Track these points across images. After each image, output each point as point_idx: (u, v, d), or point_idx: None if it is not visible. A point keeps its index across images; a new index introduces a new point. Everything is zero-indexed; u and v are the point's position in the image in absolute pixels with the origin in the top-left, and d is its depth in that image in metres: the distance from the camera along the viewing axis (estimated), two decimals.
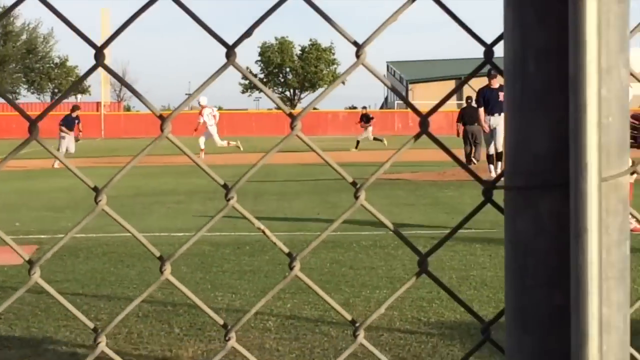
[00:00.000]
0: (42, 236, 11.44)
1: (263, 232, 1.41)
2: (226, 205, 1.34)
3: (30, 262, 1.36)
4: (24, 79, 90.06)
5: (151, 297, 7.39)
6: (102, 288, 8.14)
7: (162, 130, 1.29)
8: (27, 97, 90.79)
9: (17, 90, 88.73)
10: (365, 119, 42.07)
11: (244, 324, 6.35)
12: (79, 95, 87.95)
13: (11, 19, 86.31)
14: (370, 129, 41.34)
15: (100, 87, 76.08)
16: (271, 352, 6.02)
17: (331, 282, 8.34)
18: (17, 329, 6.72)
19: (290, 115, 1.32)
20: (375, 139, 41.08)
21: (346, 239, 10.67)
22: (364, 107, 46.69)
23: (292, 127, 1.31)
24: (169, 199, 16.81)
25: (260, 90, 1.43)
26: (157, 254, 1.42)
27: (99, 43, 1.28)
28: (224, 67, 1.30)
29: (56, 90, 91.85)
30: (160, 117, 1.28)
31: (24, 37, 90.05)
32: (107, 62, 1.30)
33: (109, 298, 7.79)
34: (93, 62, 1.27)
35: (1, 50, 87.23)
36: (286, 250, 1.42)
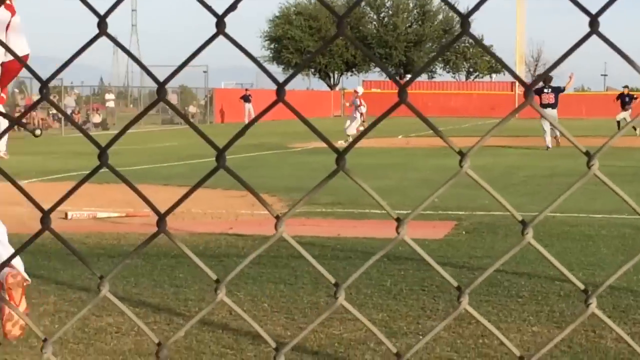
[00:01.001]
0: (461, 212, 11.66)
1: None
2: None
3: None
4: (439, 59, 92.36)
5: None
6: (522, 266, 8.13)
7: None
8: (442, 76, 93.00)
9: (433, 69, 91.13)
10: (626, 99, 37.08)
11: None
12: (493, 75, 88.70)
13: None
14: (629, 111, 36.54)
15: (515, 67, 76.09)
16: None
17: None
18: (440, 301, 6.92)
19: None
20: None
21: None
22: (626, 87, 40.04)
23: None
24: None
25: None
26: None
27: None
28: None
29: (471, 70, 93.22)
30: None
31: (440, 16, 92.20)
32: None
33: (529, 276, 7.78)
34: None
35: (419, 29, 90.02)
36: None
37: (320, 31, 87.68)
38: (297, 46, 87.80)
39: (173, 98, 59.92)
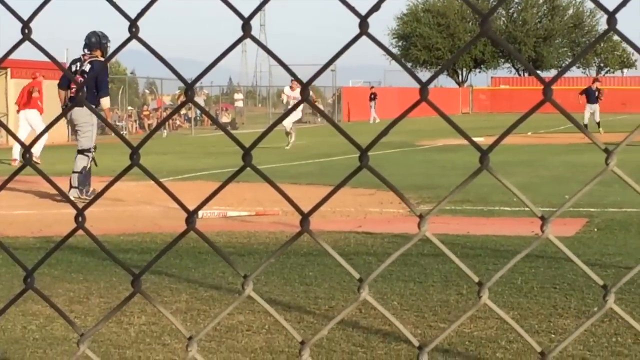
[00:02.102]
0: (592, 209, 11.41)
1: None
2: None
3: None
4: (569, 54, 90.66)
5: None
6: None
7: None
8: (572, 72, 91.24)
9: (562, 65, 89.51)
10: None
11: None
12: (624, 70, 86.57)
13: None
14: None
15: None
16: None
17: None
18: (572, 299, 6.79)
19: None
20: None
21: None
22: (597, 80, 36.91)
23: None
24: None
25: None
26: None
27: None
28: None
29: (602, 65, 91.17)
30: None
31: (570, 11, 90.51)
32: None
33: None
34: None
35: (548, 24, 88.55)
36: None
37: (449, 28, 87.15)
38: (425, 43, 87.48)
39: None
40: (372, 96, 57.27)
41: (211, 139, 34.89)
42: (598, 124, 33.02)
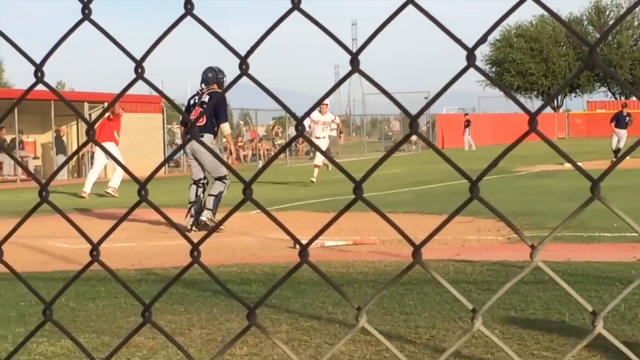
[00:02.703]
0: None
1: None
2: None
3: None
4: None
5: None
6: None
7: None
8: None
9: None
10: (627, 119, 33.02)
11: None
12: None
13: None
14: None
15: None
16: None
17: None
18: None
19: None
20: None
21: None
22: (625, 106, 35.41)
23: None
24: None
25: None
26: None
27: None
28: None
29: None
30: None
31: None
32: None
33: None
34: None
35: None
36: None
37: (542, 52, 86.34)
38: (518, 69, 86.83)
39: (396, 125, 60.37)
40: (466, 123, 57.05)
41: (306, 168, 35.06)
42: (618, 150, 31.96)
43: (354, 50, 1.36)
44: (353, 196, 1.43)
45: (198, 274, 8.44)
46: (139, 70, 1.54)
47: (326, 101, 23.62)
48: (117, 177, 23.39)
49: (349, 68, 1.39)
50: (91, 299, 8.42)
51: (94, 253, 1.65)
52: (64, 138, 35.03)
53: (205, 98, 14.22)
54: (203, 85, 14.44)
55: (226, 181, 14.13)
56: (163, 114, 38.51)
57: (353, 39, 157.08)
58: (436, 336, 6.59)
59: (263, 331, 1.49)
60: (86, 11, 1.57)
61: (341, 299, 7.74)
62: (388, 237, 11.74)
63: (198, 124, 13.86)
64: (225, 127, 14.39)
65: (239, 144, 48.42)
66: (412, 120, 1.38)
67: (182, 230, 1.62)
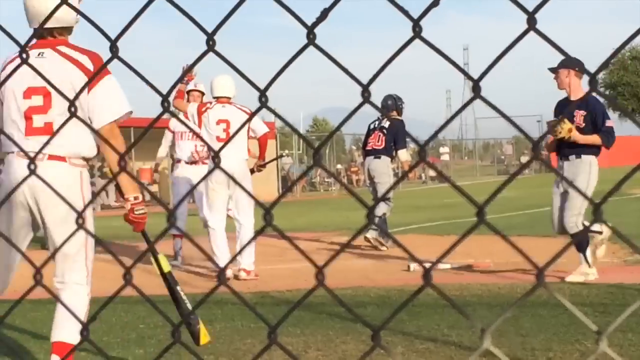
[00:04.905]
0: None
1: None
2: None
3: None
4: None
5: None
6: None
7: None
8: None
9: None
10: None
11: None
12: None
13: None
14: None
15: None
16: None
17: None
18: None
19: None
20: None
21: None
22: None
23: None
24: None
25: None
26: None
27: None
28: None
29: None
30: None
31: None
32: None
33: None
34: None
35: None
36: None
37: None
38: (633, 92, 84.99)
39: (508, 149, 59.80)
40: None
41: (417, 192, 35.00)
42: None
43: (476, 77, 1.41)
44: (471, 219, 1.49)
45: (313, 297, 8.53)
46: (263, 99, 1.62)
47: None
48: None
49: (461, 92, 1.45)
50: (209, 321, 8.60)
51: (220, 277, 1.74)
52: None
53: (386, 124, 15.02)
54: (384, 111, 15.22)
55: (389, 203, 14.75)
56: (276, 141, 38.96)
57: (465, 63, 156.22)
58: (553, 358, 6.54)
59: (388, 352, 1.56)
60: (210, 42, 1.66)
61: (456, 322, 7.74)
62: (501, 259, 11.67)
63: (376, 147, 14.81)
64: (403, 154, 15.18)
65: (352, 169, 48.61)
66: (534, 145, 1.43)
67: (307, 255, 1.69)
